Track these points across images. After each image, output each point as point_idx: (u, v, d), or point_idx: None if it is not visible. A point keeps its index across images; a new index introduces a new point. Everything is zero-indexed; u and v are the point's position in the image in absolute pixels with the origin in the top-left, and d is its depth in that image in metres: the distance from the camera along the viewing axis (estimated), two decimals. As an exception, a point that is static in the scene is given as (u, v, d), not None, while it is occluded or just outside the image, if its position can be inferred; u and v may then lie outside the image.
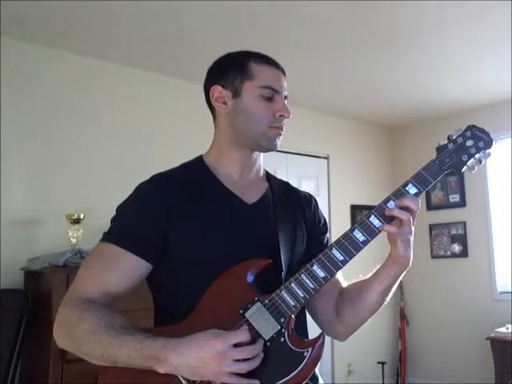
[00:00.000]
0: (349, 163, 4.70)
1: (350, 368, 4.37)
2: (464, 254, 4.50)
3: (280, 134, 1.17)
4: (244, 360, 0.91)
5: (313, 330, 1.11)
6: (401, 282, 3.98)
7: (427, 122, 4.77)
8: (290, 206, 1.22)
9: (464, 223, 4.51)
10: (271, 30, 2.89)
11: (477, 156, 1.07)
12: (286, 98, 1.18)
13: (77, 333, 0.98)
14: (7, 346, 2.36)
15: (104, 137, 3.19)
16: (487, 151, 1.07)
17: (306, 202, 1.28)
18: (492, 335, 3.73)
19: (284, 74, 1.19)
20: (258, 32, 2.91)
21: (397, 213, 1.01)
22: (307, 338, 1.14)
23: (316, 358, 0.97)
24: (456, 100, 4.24)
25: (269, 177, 1.27)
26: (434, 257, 4.69)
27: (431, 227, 4.72)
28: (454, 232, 4.58)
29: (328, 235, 1.29)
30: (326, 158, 4.57)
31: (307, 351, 0.96)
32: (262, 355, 0.94)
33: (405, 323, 4.77)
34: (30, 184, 2.86)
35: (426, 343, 4.68)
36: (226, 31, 2.87)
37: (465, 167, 1.07)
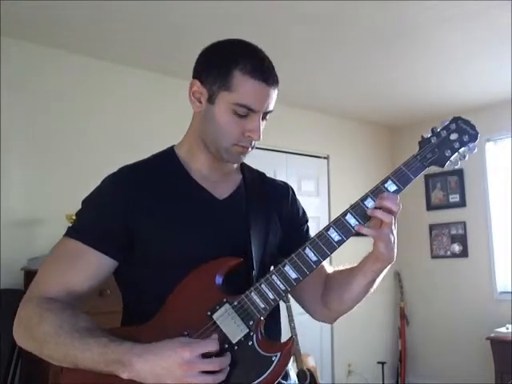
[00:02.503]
0: (349, 163, 4.70)
1: (350, 368, 4.37)
2: (464, 254, 4.50)
3: (245, 153, 1.08)
4: (210, 372, 0.87)
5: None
6: (401, 281, 3.96)
7: (427, 122, 4.70)
8: (264, 199, 1.16)
9: (464, 223, 4.51)
10: (271, 30, 2.89)
11: (461, 150, 1.02)
12: (267, 113, 1.07)
13: (38, 334, 0.94)
14: (7, 346, 2.36)
15: (104, 137, 3.19)
16: (472, 145, 1.02)
17: (283, 194, 1.22)
18: (492, 335, 3.73)
19: (274, 86, 1.05)
20: (258, 32, 2.91)
21: (379, 215, 0.96)
22: (280, 336, 1.12)
23: (284, 363, 0.93)
24: (456, 100, 4.23)
25: (243, 168, 1.20)
26: (433, 257, 4.69)
27: (431, 227, 4.72)
28: (454, 232, 4.58)
29: (308, 225, 1.25)
30: (326, 158, 4.57)
31: (275, 356, 0.93)
32: (228, 369, 0.91)
33: (405, 323, 4.77)
34: (30, 184, 2.86)
35: (426, 343, 4.68)
36: (226, 31, 2.85)
37: (448, 163, 1.02)
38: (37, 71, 2.97)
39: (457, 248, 4.55)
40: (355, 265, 1.10)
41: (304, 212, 1.25)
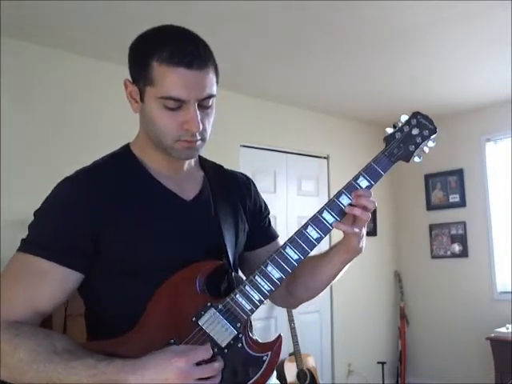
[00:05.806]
0: (349, 163, 4.69)
1: (350, 368, 4.37)
2: (464, 253, 4.50)
3: (192, 147, 0.99)
4: (206, 378, 0.87)
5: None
6: (401, 281, 3.97)
7: (427, 122, 4.76)
8: (229, 196, 1.13)
9: (464, 223, 4.51)
10: (271, 31, 2.89)
11: (421, 145, 1.06)
12: (207, 99, 0.96)
13: (12, 362, 0.86)
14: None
15: (105, 137, 3.18)
16: (430, 140, 1.06)
17: (246, 188, 1.20)
18: (492, 335, 3.73)
19: (202, 69, 0.93)
20: (259, 33, 2.92)
21: (357, 213, 0.99)
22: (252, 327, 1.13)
23: (275, 361, 0.95)
24: (456, 100, 4.24)
25: (202, 163, 1.16)
26: (433, 257, 4.69)
27: (431, 227, 4.72)
28: (453, 232, 4.58)
29: (270, 218, 1.25)
30: (326, 158, 4.57)
31: (266, 355, 0.94)
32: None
33: (405, 323, 4.77)
34: (30, 184, 2.86)
35: (426, 343, 4.68)
36: (227, 31, 2.87)
37: (412, 157, 1.07)
38: (37, 71, 2.97)
39: (457, 248, 4.55)
40: (321, 253, 1.12)
41: (266, 205, 1.25)
